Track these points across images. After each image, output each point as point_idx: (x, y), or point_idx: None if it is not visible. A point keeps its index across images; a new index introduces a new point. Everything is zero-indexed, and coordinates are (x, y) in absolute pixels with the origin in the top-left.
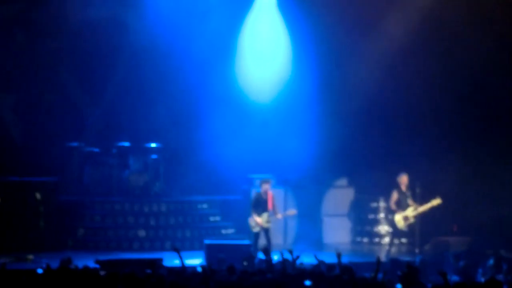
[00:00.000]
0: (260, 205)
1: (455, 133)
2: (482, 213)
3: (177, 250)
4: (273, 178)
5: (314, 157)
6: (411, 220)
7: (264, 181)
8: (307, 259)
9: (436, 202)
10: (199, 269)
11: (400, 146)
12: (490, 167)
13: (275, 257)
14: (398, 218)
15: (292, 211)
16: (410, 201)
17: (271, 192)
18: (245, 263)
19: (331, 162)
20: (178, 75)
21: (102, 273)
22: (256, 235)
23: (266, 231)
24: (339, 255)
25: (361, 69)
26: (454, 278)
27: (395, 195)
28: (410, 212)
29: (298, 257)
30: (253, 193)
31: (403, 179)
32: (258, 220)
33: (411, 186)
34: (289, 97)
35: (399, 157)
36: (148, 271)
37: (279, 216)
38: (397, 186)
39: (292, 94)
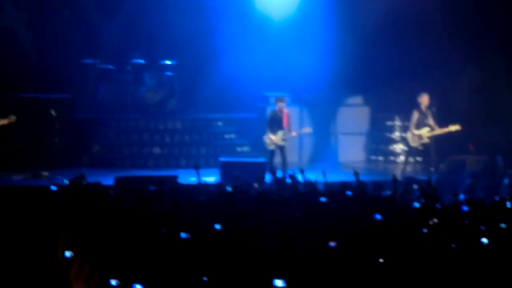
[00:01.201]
0: (275, 123)
1: (472, 48)
2: (499, 131)
3: (197, 168)
4: (288, 96)
5: (329, 75)
6: (425, 140)
7: (279, 99)
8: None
9: (454, 128)
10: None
11: (416, 64)
12: (508, 83)
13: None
14: (411, 135)
15: (307, 129)
16: (429, 121)
17: (286, 110)
18: (256, 185)
19: (347, 80)
20: None
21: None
22: (271, 153)
23: (282, 149)
24: (356, 174)
25: None
26: (461, 196)
27: (415, 115)
28: (425, 132)
29: (316, 182)
30: (269, 111)
31: (424, 99)
32: (273, 138)
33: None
34: (304, 14)
35: (415, 76)
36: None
37: (294, 134)
38: (417, 106)
39: (307, 11)
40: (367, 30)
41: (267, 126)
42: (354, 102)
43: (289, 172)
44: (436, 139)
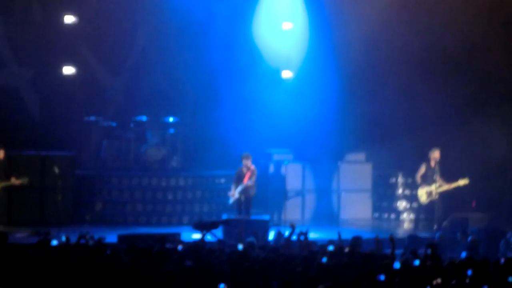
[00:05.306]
0: (239, 179)
1: (473, 109)
2: (501, 188)
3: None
4: (291, 153)
5: (332, 132)
6: (434, 196)
7: (244, 156)
8: (324, 235)
9: (463, 182)
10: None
11: (419, 121)
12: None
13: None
14: (421, 192)
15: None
16: (437, 177)
17: (252, 167)
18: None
19: (349, 137)
20: (195, 49)
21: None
22: (236, 204)
23: (244, 201)
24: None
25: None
26: (463, 254)
27: (422, 169)
28: (434, 187)
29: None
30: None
31: (435, 154)
32: (232, 192)
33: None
34: (306, 71)
35: (418, 132)
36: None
37: (240, 188)
38: (427, 160)
39: (309, 69)
40: (369, 87)
41: (233, 182)
42: (357, 158)
43: (300, 230)
44: (442, 195)
